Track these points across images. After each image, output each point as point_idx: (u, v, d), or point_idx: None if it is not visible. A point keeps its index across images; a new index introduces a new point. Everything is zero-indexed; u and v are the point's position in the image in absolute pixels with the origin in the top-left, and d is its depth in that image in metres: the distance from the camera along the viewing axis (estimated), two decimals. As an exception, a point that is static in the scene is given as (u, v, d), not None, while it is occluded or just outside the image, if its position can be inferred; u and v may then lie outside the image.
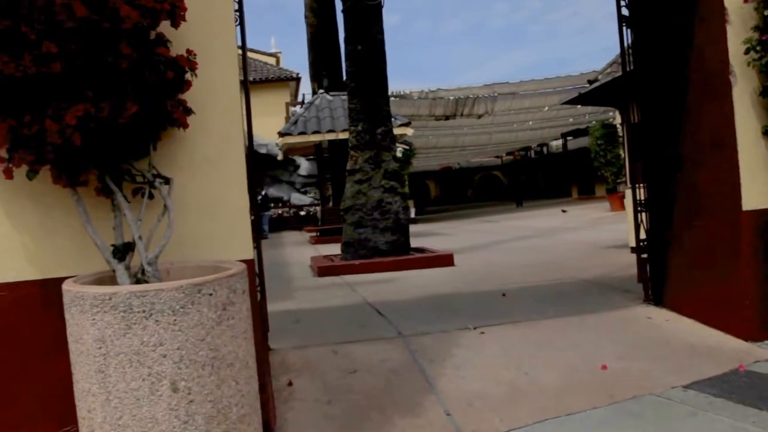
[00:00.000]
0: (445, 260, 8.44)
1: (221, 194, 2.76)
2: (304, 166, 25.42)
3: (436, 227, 20.03)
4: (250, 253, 2.76)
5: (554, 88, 24.88)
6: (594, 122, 32.56)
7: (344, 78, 13.52)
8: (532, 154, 50.75)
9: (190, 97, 2.52)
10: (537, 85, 24.63)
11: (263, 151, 24.10)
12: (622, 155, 18.07)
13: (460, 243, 12.03)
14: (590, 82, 16.52)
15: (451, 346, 3.88)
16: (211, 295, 2.05)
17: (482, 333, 4.23)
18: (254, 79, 27.02)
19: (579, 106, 27.54)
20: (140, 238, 2.29)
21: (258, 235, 4.17)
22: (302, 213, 24.84)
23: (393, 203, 8.76)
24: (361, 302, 6.02)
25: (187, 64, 2.26)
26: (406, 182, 25.32)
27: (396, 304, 5.76)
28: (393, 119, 14.74)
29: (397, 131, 14.48)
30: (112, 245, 2.29)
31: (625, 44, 4.93)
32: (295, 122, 14.67)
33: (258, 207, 21.42)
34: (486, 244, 11.36)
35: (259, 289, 4.12)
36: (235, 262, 2.46)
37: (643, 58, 4.82)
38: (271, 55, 32.59)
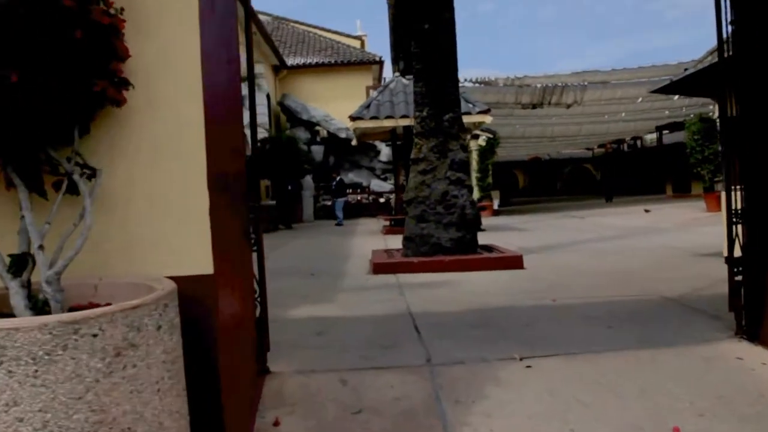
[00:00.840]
0: (513, 262, 7.65)
1: (174, 191, 2.18)
2: (385, 152, 24.93)
3: (516, 221, 19.05)
4: (208, 266, 2.17)
5: (648, 78, 23.07)
6: (691, 115, 30.30)
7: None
8: (625, 148, 48.07)
9: (134, 67, 2.01)
10: (630, 75, 22.90)
11: (342, 135, 23.82)
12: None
13: (537, 240, 11.12)
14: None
15: (487, 382, 3.18)
16: (95, 336, 1.47)
17: (528, 367, 3.49)
18: (335, 62, 26.74)
19: (675, 98, 25.51)
20: (41, 247, 1.75)
21: (258, 236, 3.61)
22: (381, 200, 24.42)
23: (459, 197, 8.03)
24: (403, 311, 5.33)
25: (101, 17, 1.69)
26: (490, 172, 24.41)
27: (440, 316, 5.08)
28: (471, 105, 13.98)
29: (475, 118, 13.69)
30: (9, 255, 1.78)
31: (724, 25, 3.99)
32: (368, 106, 14.08)
33: (334, 193, 21.11)
34: (564, 244, 10.41)
35: (258, 301, 3.58)
36: (165, 281, 1.91)
37: (745, 41, 3.87)
38: (355, 38, 32.21)
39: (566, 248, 9.82)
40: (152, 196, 2.17)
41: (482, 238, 9.70)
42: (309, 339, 4.39)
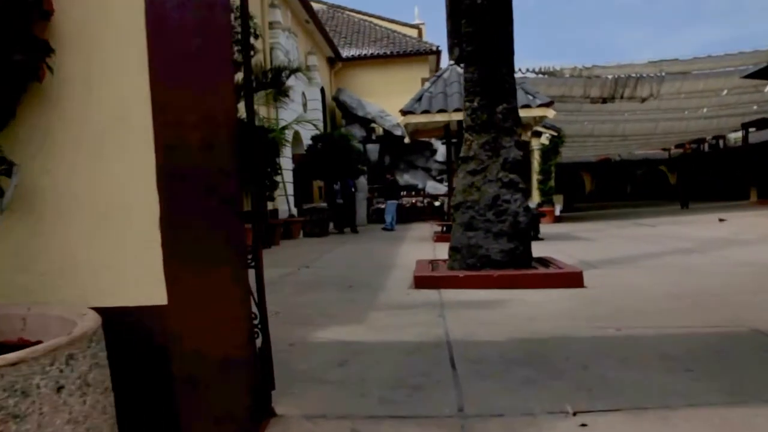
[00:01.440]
0: (571, 279, 6.46)
1: (118, 193, 1.68)
2: (441, 150, 23.74)
3: (580, 229, 17.60)
4: (159, 294, 1.65)
5: (736, 66, 21.00)
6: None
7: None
8: (706, 148, 45.09)
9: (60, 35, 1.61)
10: (714, 63, 20.84)
11: (398, 132, 22.80)
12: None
13: (601, 253, 9.82)
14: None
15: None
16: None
17: (583, 425, 2.59)
18: (391, 53, 25.74)
19: (767, 89, 23.24)
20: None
21: (256, 254, 2.80)
22: (436, 203, 23.26)
23: (512, 202, 6.89)
24: (440, 339, 4.37)
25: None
26: (553, 174, 22.82)
27: (481, 347, 4.09)
28: (531, 97, 12.71)
29: (535, 112, 12.42)
30: None
31: None
32: (419, 99, 12.90)
33: (385, 194, 20.05)
34: (631, 258, 9.06)
35: (259, 328, 2.84)
36: (87, 316, 1.49)
37: None
38: (413, 26, 31.10)
39: (634, 263, 8.50)
40: (92, 203, 1.69)
41: (539, 249, 8.52)
42: (328, 371, 3.69)
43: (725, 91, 22.46)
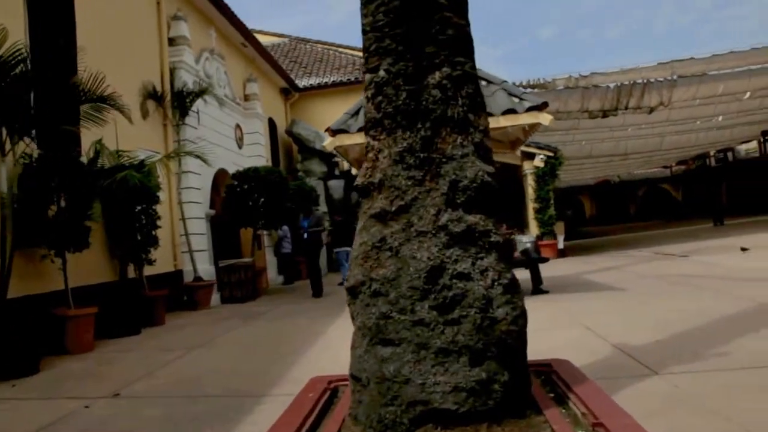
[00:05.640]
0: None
1: None
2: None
3: (592, 264, 13.79)
4: None
5: (763, 63, 17.47)
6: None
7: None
8: (712, 162, 41.64)
9: None
10: (738, 61, 17.32)
11: (364, 166, 19.17)
12: None
13: (649, 320, 6.04)
14: None
15: None
16: None
17: None
18: (354, 80, 22.27)
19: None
20: None
21: None
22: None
23: (474, 275, 3.05)
24: None
25: None
26: (552, 201, 19.04)
27: None
28: (517, 100, 9.06)
29: (524, 119, 8.71)
30: None
31: None
32: (356, 113, 9.09)
33: (335, 240, 15.30)
34: (707, 331, 5.27)
35: None
36: None
37: None
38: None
39: (721, 346, 4.69)
40: None
41: (539, 313, 4.78)
42: None
43: (747, 94, 18.86)
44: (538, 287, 9.68)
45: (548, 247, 17.68)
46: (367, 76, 3.47)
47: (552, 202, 18.78)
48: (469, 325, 3.13)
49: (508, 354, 3.20)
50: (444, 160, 3.28)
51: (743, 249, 12.44)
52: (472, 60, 3.57)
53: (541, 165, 18.34)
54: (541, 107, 8.49)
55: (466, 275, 3.17)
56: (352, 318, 3.38)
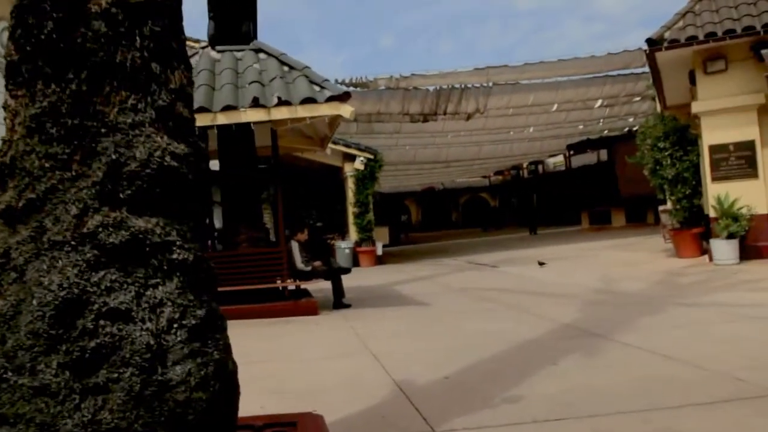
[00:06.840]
0: None
1: None
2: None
3: (407, 274, 13.29)
4: None
5: (569, 75, 18.23)
6: (606, 131, 26.11)
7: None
8: (526, 174, 44.39)
9: None
10: (547, 71, 17.94)
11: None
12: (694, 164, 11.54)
13: (440, 346, 5.28)
14: (656, 45, 9.96)
15: None
16: None
17: None
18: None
19: (596, 105, 20.91)
20: None
21: None
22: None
23: (140, 312, 1.92)
24: None
25: None
26: (371, 205, 18.52)
27: None
28: (318, 88, 8.04)
29: (323, 110, 7.71)
30: None
31: None
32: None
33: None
34: (500, 361, 4.61)
35: None
36: None
37: None
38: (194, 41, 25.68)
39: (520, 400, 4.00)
40: None
41: (327, 336, 3.81)
42: None
43: (555, 106, 19.75)
44: (339, 301, 8.81)
45: (366, 254, 17.07)
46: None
47: (371, 206, 18.24)
48: (121, 394, 1.96)
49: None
50: (103, 130, 2.09)
51: (540, 263, 12.64)
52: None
53: (362, 168, 17.74)
54: (343, 98, 7.59)
55: (123, 313, 2.01)
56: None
